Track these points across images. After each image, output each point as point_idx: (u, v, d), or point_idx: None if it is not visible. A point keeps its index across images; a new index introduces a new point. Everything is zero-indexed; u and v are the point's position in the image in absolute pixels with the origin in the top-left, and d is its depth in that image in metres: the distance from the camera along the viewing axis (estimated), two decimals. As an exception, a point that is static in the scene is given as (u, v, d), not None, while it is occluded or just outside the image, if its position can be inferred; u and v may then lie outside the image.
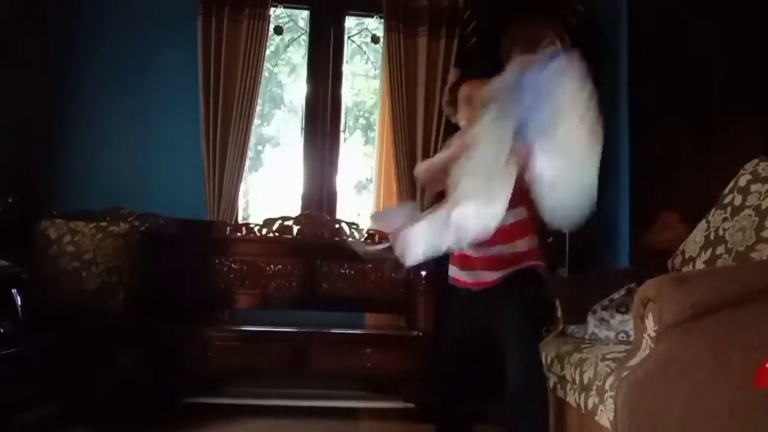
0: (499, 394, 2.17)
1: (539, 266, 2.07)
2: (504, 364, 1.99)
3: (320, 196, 3.81)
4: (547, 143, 1.69)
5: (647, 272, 2.27)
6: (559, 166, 1.69)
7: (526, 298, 2.02)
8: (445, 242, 1.90)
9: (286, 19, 4.04)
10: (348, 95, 4.11)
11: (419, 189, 3.63)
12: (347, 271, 3.52)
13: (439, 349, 2.18)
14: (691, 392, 1.78)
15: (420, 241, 1.94)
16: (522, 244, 2.05)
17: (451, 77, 2.11)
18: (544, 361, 2.56)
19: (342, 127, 3.94)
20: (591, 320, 2.49)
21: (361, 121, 4.48)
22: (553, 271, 3.65)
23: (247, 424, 2.91)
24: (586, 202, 1.75)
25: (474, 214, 1.80)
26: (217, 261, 3.48)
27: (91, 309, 2.85)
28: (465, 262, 2.12)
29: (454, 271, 2.17)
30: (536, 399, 1.98)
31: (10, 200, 3.10)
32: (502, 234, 1.95)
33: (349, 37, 3.98)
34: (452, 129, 3.67)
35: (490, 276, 2.06)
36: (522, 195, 1.87)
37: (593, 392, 1.98)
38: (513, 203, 1.84)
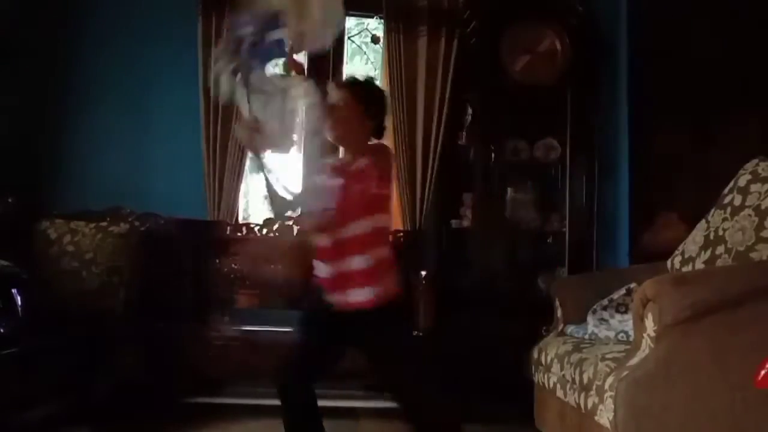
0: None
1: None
2: None
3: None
4: None
5: (647, 272, 2.28)
6: None
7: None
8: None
9: (286, 20, 4.03)
10: (348, 95, 4.11)
11: (419, 189, 3.63)
12: (347, 271, 3.52)
13: None
14: (691, 392, 1.78)
15: None
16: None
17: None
18: (544, 361, 2.57)
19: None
20: (591, 320, 2.49)
21: (361, 121, 4.49)
22: (553, 271, 3.66)
23: (247, 424, 2.91)
24: None
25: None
26: (217, 261, 3.48)
27: (91, 309, 2.85)
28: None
29: None
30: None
31: (10, 200, 3.10)
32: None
33: (349, 37, 3.98)
34: (452, 128, 3.71)
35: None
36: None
37: (593, 392, 1.98)
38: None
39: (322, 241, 2.03)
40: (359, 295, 1.99)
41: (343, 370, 3.12)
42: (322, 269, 2.07)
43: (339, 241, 1.99)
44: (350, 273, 2.00)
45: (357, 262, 1.99)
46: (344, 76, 2.21)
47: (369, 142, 2.14)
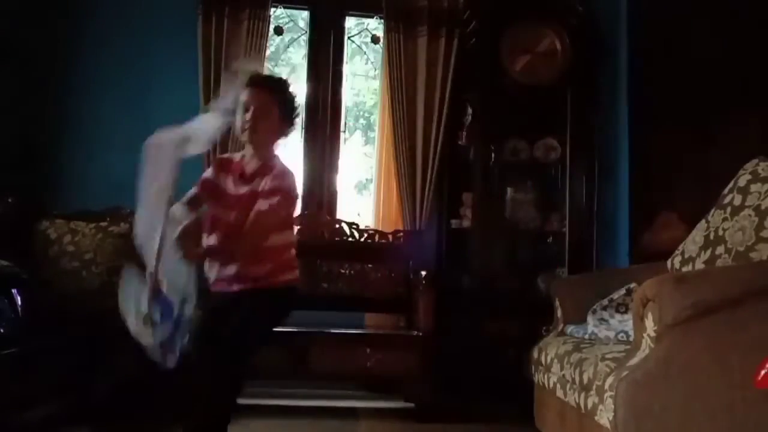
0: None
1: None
2: None
3: (320, 196, 3.81)
4: None
5: (647, 272, 2.28)
6: None
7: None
8: None
9: (286, 20, 4.04)
10: (348, 95, 4.11)
11: (419, 189, 3.63)
12: (347, 271, 3.52)
13: None
14: (691, 392, 1.78)
15: None
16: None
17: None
18: (544, 361, 2.57)
19: (342, 128, 3.94)
20: (591, 320, 2.49)
21: (361, 121, 4.49)
22: (553, 271, 3.66)
23: (247, 424, 2.90)
24: None
25: None
26: (217, 261, 3.48)
27: (92, 309, 2.84)
28: None
29: None
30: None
31: (10, 200, 3.10)
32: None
33: (349, 38, 3.98)
34: (452, 128, 3.71)
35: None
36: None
37: (593, 392, 1.98)
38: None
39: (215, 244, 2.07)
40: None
41: (342, 370, 3.15)
42: (215, 270, 2.09)
43: (251, 250, 2.05)
44: (249, 272, 2.05)
45: (261, 267, 2.06)
46: (260, 74, 2.26)
47: (276, 149, 2.17)
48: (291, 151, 4.09)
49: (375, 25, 3.98)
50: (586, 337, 2.47)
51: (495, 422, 3.06)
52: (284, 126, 2.16)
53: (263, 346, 2.25)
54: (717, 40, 3.20)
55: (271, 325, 2.17)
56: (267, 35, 3.66)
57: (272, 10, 3.71)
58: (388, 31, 3.70)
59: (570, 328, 2.63)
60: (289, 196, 2.07)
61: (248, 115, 2.08)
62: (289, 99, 2.18)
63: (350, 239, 3.58)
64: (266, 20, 3.63)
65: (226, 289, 2.08)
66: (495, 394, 3.21)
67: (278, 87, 2.17)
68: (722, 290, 1.82)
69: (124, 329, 1.94)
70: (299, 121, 2.24)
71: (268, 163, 2.11)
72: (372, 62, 4.16)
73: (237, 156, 2.21)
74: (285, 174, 2.09)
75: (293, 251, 2.18)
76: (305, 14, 3.97)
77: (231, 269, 2.05)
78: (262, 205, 2.00)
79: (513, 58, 3.65)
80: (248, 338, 2.03)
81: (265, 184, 2.05)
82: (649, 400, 1.77)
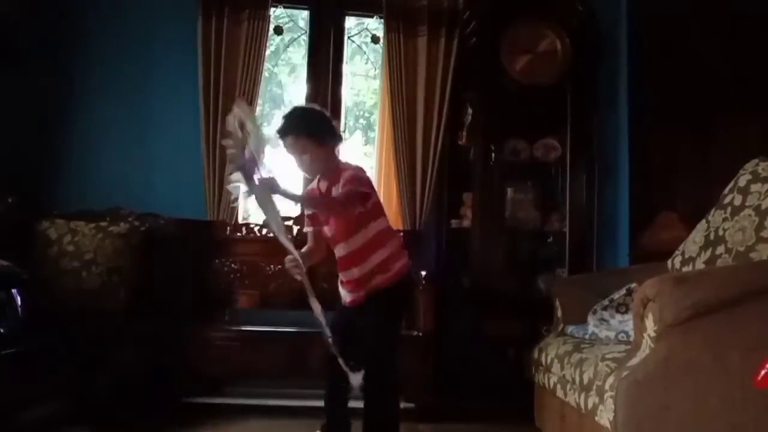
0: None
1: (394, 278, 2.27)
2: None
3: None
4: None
5: (647, 272, 2.28)
6: None
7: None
8: None
9: (286, 19, 4.04)
10: (348, 95, 4.11)
11: (419, 189, 3.63)
12: (347, 271, 3.52)
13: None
14: (691, 392, 1.78)
15: None
16: (375, 259, 2.26)
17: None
18: (544, 361, 2.57)
19: (342, 127, 3.93)
20: (591, 320, 2.49)
21: (361, 121, 4.49)
22: (553, 271, 3.66)
23: (247, 424, 2.91)
24: None
25: None
26: (217, 261, 3.48)
27: (92, 309, 2.85)
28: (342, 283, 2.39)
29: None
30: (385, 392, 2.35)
31: (10, 200, 3.10)
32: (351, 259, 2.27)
33: (349, 37, 3.98)
34: (452, 128, 3.71)
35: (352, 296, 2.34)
36: (349, 224, 2.22)
37: (593, 392, 1.98)
38: (345, 234, 2.24)
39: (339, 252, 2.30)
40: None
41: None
42: (344, 275, 2.34)
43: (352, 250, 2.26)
44: (366, 273, 2.27)
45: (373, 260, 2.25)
46: (282, 123, 2.27)
47: (341, 161, 2.31)
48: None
49: (375, 25, 3.98)
50: (587, 337, 2.47)
51: (495, 422, 3.05)
52: (324, 143, 2.24)
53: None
54: (717, 40, 3.21)
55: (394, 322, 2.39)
56: (267, 35, 3.66)
57: (272, 9, 3.71)
58: (388, 30, 3.70)
59: (570, 329, 2.63)
60: (358, 176, 2.19)
61: (296, 161, 2.26)
62: (311, 124, 2.23)
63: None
64: (266, 20, 3.63)
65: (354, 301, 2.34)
66: (495, 394, 3.21)
67: (295, 126, 2.22)
68: (722, 290, 1.82)
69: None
70: (336, 123, 2.33)
71: (335, 175, 2.25)
72: (372, 62, 4.16)
73: (314, 182, 2.36)
74: (349, 169, 2.24)
75: (397, 237, 2.38)
76: (305, 14, 3.96)
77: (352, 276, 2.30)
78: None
79: (513, 58, 3.65)
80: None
81: (338, 188, 2.21)
82: (650, 400, 1.78)
